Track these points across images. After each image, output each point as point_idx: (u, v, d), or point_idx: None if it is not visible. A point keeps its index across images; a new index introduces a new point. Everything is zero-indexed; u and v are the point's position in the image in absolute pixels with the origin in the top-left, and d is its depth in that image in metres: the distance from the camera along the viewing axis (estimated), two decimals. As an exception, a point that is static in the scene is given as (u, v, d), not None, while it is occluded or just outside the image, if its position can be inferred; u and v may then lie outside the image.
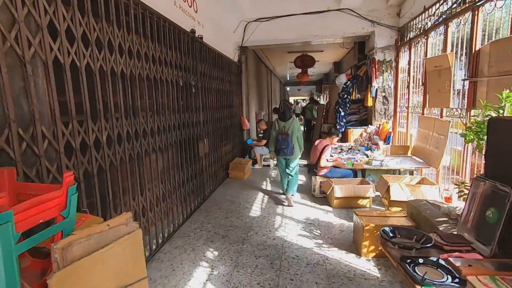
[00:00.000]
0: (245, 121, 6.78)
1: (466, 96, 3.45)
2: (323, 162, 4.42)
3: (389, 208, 3.51)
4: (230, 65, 6.06)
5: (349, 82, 6.50)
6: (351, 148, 5.47)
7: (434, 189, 3.48)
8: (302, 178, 5.62)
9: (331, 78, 14.58)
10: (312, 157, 4.70)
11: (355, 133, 6.35)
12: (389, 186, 3.52)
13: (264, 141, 6.46)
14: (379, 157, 4.67)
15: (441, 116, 4.10)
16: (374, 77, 5.93)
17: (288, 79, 19.68)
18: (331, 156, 4.73)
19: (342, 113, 6.54)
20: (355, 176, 4.45)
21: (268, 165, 6.72)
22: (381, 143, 5.06)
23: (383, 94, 6.03)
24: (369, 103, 6.13)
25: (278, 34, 6.21)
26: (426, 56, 4.49)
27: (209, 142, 4.73)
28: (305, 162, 6.78)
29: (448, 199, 3.04)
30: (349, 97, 6.59)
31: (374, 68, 5.90)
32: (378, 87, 6.02)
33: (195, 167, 4.17)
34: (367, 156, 4.85)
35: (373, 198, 4.00)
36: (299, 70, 14.44)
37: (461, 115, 3.53)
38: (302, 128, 6.87)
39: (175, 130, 3.50)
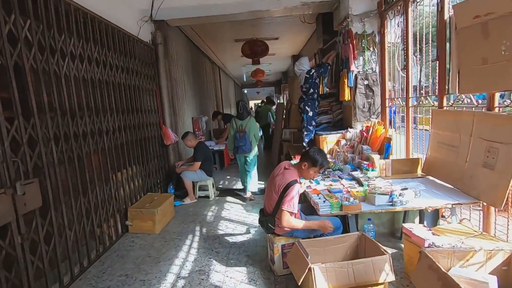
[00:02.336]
0: (168, 132, 4.50)
1: None
2: (285, 221, 2.25)
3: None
4: (133, 45, 3.78)
5: (313, 72, 4.54)
6: (328, 168, 3.47)
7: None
8: (253, 238, 3.45)
9: (290, 75, 12.84)
10: (266, 198, 2.51)
11: (329, 140, 4.40)
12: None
13: (198, 164, 4.24)
14: (380, 182, 2.71)
15: (491, 107, 2.24)
16: (352, 57, 4.04)
17: (244, 80, 17.69)
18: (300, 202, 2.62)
19: (310, 113, 4.56)
20: (345, 228, 2.39)
21: (207, 196, 4.49)
22: (375, 156, 3.12)
23: (365, 82, 4.16)
24: (346, 96, 4.22)
25: (207, -2, 4.08)
26: (441, 10, 2.64)
27: (93, 168, 2.39)
28: (261, 184, 4.70)
29: None
30: (316, 91, 4.64)
31: (351, 45, 4.01)
32: (358, 72, 4.14)
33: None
34: (358, 183, 2.87)
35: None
36: (255, 69, 12.54)
37: None
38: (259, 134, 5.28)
39: None
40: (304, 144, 4.64)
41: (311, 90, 4.58)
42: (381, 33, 4.04)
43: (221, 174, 6.08)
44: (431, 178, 2.93)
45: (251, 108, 23.16)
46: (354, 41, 4.01)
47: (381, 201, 2.34)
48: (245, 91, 23.43)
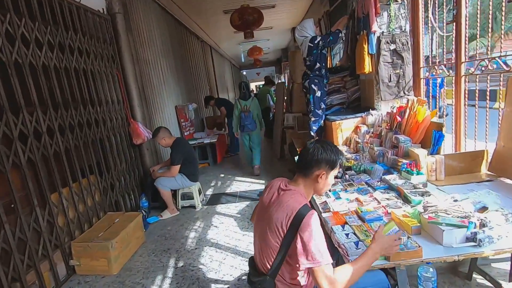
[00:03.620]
0: (138, 127, 3.52)
1: None
2: (328, 284, 1.13)
3: None
4: (74, 14, 2.74)
5: (319, 40, 3.45)
6: (349, 169, 2.46)
7: None
8: None
9: (291, 51, 11.59)
10: (257, 243, 1.42)
11: (345, 127, 3.38)
12: None
13: (176, 168, 3.28)
14: (438, 195, 1.72)
15: None
16: (373, 13, 2.95)
17: (243, 60, 16.45)
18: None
19: (318, 93, 3.52)
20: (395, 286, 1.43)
21: (193, 206, 3.56)
22: (419, 152, 2.12)
23: (391, 46, 3.08)
24: (366, 67, 3.15)
25: None
26: None
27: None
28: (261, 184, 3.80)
29: None
30: (323, 64, 3.57)
31: (371, -3, 2.91)
32: (382, 33, 3.06)
33: None
34: (400, 196, 1.88)
35: None
36: (251, 46, 11.30)
37: None
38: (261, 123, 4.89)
39: None
40: (312, 133, 3.64)
41: (317, 64, 3.52)
42: (413, -24, 2.93)
43: (213, 171, 5.14)
44: (505, 180, 1.94)
45: (252, 90, 21.98)
46: (376, -9, 2.91)
47: (454, 238, 1.37)
48: (244, 73, 22.15)
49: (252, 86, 26.54)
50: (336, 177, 2.40)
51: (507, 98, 1.94)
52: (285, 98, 5.22)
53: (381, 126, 2.99)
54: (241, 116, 4.55)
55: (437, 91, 2.92)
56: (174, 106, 5.14)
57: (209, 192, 4.12)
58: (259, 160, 4.76)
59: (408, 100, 2.59)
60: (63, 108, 2.49)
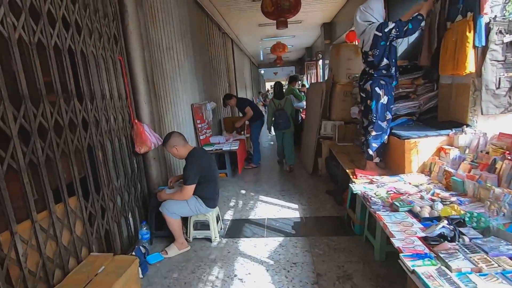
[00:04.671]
0: (144, 131, 2.69)
1: None
2: None
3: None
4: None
5: (392, 28, 2.51)
6: (461, 224, 1.55)
7: None
8: None
9: (317, 50, 10.62)
10: None
11: (423, 147, 2.46)
12: None
13: (189, 189, 2.42)
14: None
15: None
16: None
17: (261, 58, 15.53)
18: None
19: (385, 99, 2.61)
20: None
21: (208, 239, 2.71)
22: None
23: (506, 38, 2.14)
24: (469, 66, 2.20)
25: None
26: None
27: None
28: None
29: None
30: (394, 61, 2.64)
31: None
32: (493, 19, 2.13)
33: None
34: None
35: None
36: (276, 42, 10.38)
37: None
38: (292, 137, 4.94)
39: None
40: (371, 152, 2.73)
41: (384, 61, 2.62)
42: None
43: (232, 184, 4.28)
44: None
45: (268, 90, 20.94)
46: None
47: None
48: (262, 71, 21.29)
49: (268, 86, 25.63)
50: (445, 237, 1.51)
51: None
52: (323, 99, 4.29)
53: (488, 153, 2.06)
54: (275, 114, 4.67)
55: None
56: (190, 104, 4.30)
57: (229, 216, 3.26)
58: (293, 159, 4.79)
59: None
60: (29, 102, 1.66)
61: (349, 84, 4.05)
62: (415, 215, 1.80)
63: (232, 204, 3.59)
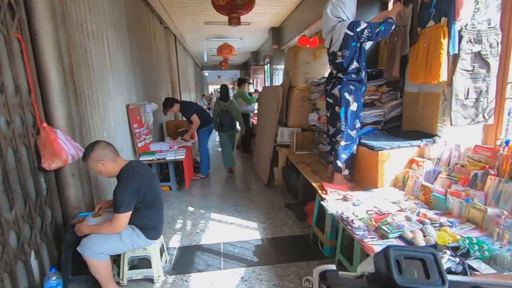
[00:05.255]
0: (57, 140, 1.96)
1: None
2: None
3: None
4: None
5: (364, 28, 2.30)
6: (465, 254, 1.32)
7: None
8: None
9: (265, 54, 10.46)
10: None
11: (395, 159, 2.28)
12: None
13: (122, 218, 1.79)
14: None
15: None
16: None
17: (205, 60, 14.90)
18: None
19: (354, 106, 2.37)
20: None
21: (149, 279, 2.09)
22: None
23: (474, 48, 2.08)
24: (443, 74, 2.08)
25: None
26: None
27: None
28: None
29: None
30: (364, 64, 2.43)
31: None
32: (464, 27, 2.05)
33: None
34: None
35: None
36: (222, 43, 9.89)
37: None
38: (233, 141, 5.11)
39: None
40: (340, 164, 2.48)
41: (354, 63, 2.40)
42: None
43: (178, 200, 3.66)
44: None
45: (211, 93, 20.14)
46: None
47: None
48: (206, 74, 20.56)
49: (211, 89, 24.84)
50: (453, 273, 1.25)
51: None
52: (280, 102, 3.99)
53: (463, 166, 1.95)
54: (220, 116, 4.71)
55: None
56: (125, 104, 3.56)
57: (175, 242, 2.67)
58: (233, 161, 4.86)
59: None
60: None
61: (307, 89, 3.82)
62: (408, 242, 1.54)
63: (178, 226, 2.99)
